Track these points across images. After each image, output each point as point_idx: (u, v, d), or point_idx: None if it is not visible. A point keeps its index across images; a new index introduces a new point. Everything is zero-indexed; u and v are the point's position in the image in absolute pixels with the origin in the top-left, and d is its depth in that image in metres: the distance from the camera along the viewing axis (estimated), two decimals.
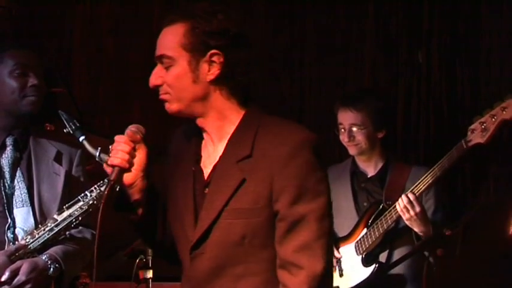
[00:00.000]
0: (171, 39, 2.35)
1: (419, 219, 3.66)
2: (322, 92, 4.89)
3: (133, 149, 2.37)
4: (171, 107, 2.38)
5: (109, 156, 2.37)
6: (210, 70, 2.33)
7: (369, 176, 4.03)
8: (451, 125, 4.82)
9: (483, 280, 4.12)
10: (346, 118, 3.96)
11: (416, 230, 3.71)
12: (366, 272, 3.91)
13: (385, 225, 3.81)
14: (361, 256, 3.94)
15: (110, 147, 2.39)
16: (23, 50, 3.25)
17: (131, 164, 2.37)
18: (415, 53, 4.83)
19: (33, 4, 4.96)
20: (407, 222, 3.70)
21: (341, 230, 4.02)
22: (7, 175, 3.17)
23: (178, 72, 2.34)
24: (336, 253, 4.00)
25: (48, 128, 3.50)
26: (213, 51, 2.32)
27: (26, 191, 3.16)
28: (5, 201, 3.12)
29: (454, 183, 4.72)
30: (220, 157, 2.37)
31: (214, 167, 2.37)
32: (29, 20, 4.95)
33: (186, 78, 2.33)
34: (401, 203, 3.66)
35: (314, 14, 4.94)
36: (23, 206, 3.14)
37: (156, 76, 2.38)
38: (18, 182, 3.17)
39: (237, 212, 2.31)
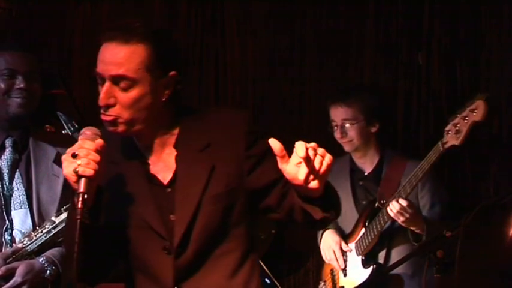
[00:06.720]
0: (133, 60, 2.28)
1: (413, 220, 3.69)
2: (322, 92, 4.88)
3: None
4: (119, 129, 2.33)
5: (78, 162, 2.19)
6: (166, 90, 2.35)
7: (366, 174, 4.04)
8: None
9: None
10: (338, 114, 3.98)
11: (412, 228, 3.74)
12: (366, 273, 3.93)
13: (378, 226, 3.84)
14: (361, 257, 3.95)
15: (74, 151, 2.21)
16: (17, 52, 3.24)
17: (98, 174, 2.22)
18: (415, 53, 4.83)
19: (33, 4, 4.95)
20: (403, 224, 3.72)
21: (344, 228, 4.05)
22: (6, 177, 3.17)
23: (138, 95, 2.30)
24: (344, 246, 4.02)
25: (49, 130, 3.50)
26: (172, 72, 2.34)
27: (24, 192, 3.17)
28: (3, 202, 3.13)
29: (454, 183, 4.72)
30: (177, 155, 2.39)
31: (177, 164, 2.38)
32: (29, 20, 4.94)
33: (144, 100, 2.31)
34: (393, 209, 3.67)
35: (314, 14, 4.94)
36: (20, 208, 3.14)
37: (109, 95, 2.30)
38: (16, 184, 3.17)
39: (216, 198, 2.37)
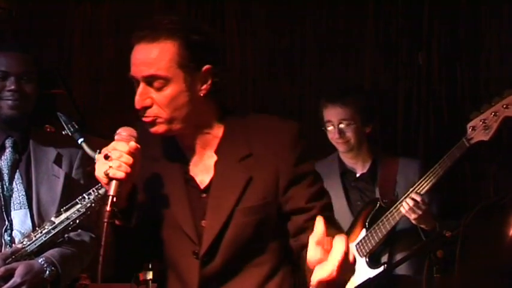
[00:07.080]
0: (163, 58, 2.22)
1: (425, 217, 3.70)
2: (322, 92, 4.88)
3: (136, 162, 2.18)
4: (160, 129, 2.27)
5: (109, 164, 2.15)
6: (203, 85, 2.28)
7: (358, 175, 4.03)
8: (451, 125, 4.82)
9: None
10: (335, 114, 3.95)
11: (423, 226, 3.74)
12: (373, 273, 3.90)
13: (388, 226, 3.81)
14: (364, 258, 3.93)
15: (107, 153, 2.17)
16: (12, 53, 3.20)
17: (130, 177, 2.17)
18: (415, 53, 4.84)
19: (33, 4, 4.96)
20: (414, 221, 3.72)
21: None
22: (6, 177, 3.16)
23: (174, 93, 2.24)
24: None
25: (49, 130, 3.50)
26: (207, 66, 2.26)
27: (24, 193, 3.15)
28: (3, 203, 3.11)
29: (454, 183, 4.72)
30: (216, 162, 2.32)
31: (215, 171, 2.32)
32: (29, 20, 4.95)
33: (181, 97, 2.24)
34: (406, 206, 3.67)
35: (314, 14, 4.94)
36: (20, 208, 3.13)
37: (145, 97, 2.24)
38: (16, 184, 3.16)
39: (250, 210, 2.30)
